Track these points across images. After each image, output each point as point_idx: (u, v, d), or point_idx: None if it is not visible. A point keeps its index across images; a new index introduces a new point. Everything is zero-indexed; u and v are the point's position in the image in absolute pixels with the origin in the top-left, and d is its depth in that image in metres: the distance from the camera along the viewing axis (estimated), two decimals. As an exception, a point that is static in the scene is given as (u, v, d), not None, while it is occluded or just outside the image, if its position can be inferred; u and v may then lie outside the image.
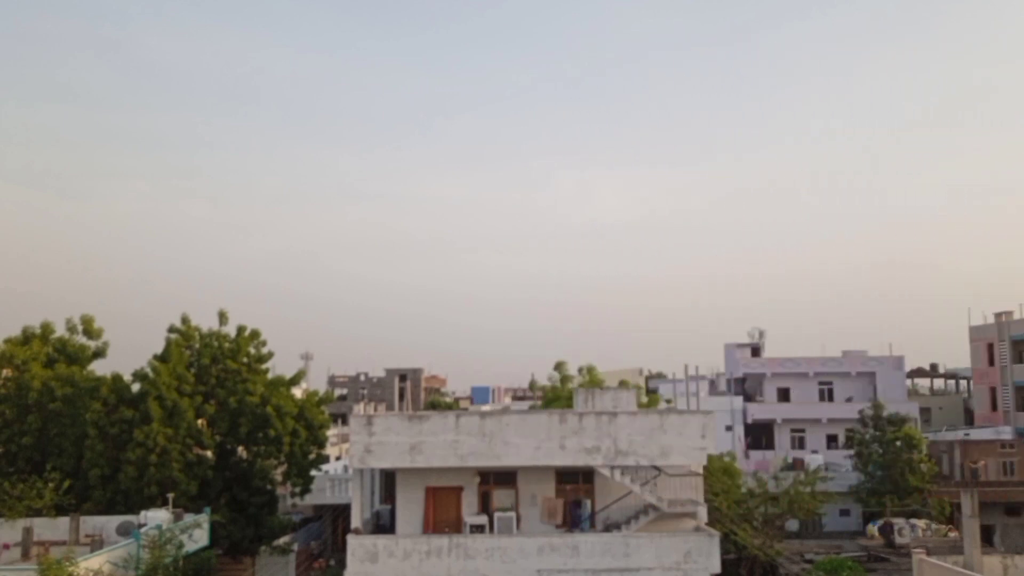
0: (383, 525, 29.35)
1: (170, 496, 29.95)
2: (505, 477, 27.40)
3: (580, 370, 44.25)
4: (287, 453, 35.53)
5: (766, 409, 60.49)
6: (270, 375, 37.08)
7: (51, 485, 29.57)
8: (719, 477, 35.73)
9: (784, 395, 61.41)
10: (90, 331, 36.64)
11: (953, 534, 39.05)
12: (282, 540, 37.08)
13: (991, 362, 58.79)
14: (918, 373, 71.45)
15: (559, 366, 44.99)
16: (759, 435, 60.52)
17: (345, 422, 62.86)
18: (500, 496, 27.49)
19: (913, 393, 69.75)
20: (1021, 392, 56.44)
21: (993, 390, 58.93)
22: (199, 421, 34.30)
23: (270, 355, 37.32)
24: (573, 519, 27.19)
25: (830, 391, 60.88)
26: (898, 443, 46.06)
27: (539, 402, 48.56)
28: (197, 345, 35.95)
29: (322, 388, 56.94)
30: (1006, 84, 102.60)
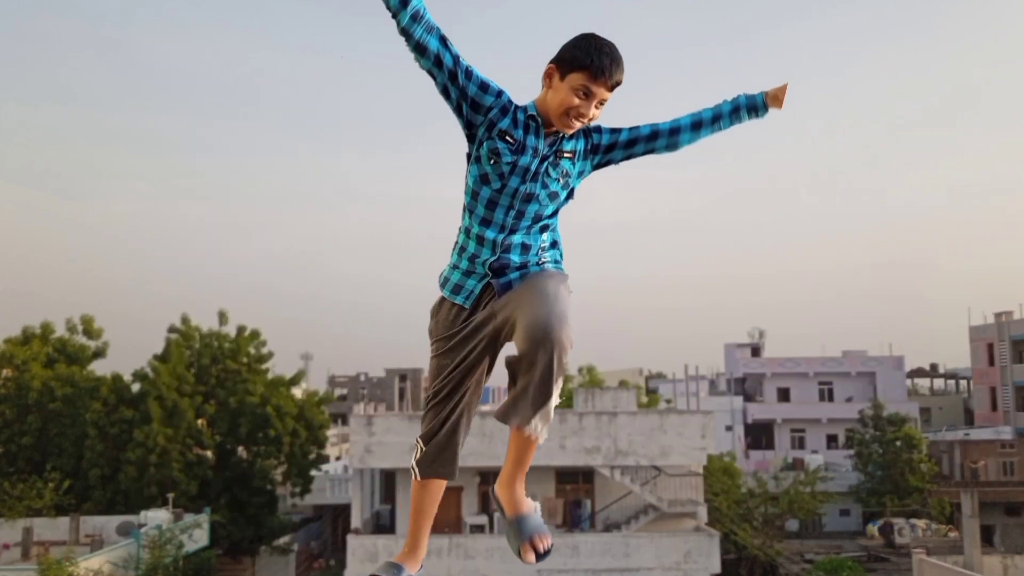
0: (383, 525, 29.37)
1: (170, 496, 29.97)
2: (505, 477, 27.40)
3: (580, 370, 44.24)
4: (287, 453, 35.55)
5: (766, 409, 60.44)
6: (270, 375, 37.10)
7: (51, 485, 29.59)
8: (719, 477, 35.73)
9: (784, 395, 61.32)
10: (90, 331, 36.65)
11: (953, 534, 39.06)
12: (282, 540, 37.09)
13: (991, 362, 58.74)
14: (918, 373, 71.36)
15: (559, 366, 44.90)
16: (759, 435, 60.49)
17: (345, 422, 62.87)
18: (500, 496, 27.50)
19: (913, 393, 69.65)
20: (1021, 392, 56.42)
21: (993, 390, 58.87)
22: (199, 421, 34.32)
23: (270, 355, 37.36)
24: (573, 519, 27.21)
25: (830, 391, 60.80)
26: (898, 443, 46.02)
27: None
28: (197, 345, 35.96)
29: (322, 388, 56.94)
30: (1006, 84, 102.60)
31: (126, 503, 31.61)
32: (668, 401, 47.78)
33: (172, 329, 35.86)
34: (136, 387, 34.28)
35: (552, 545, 2.59)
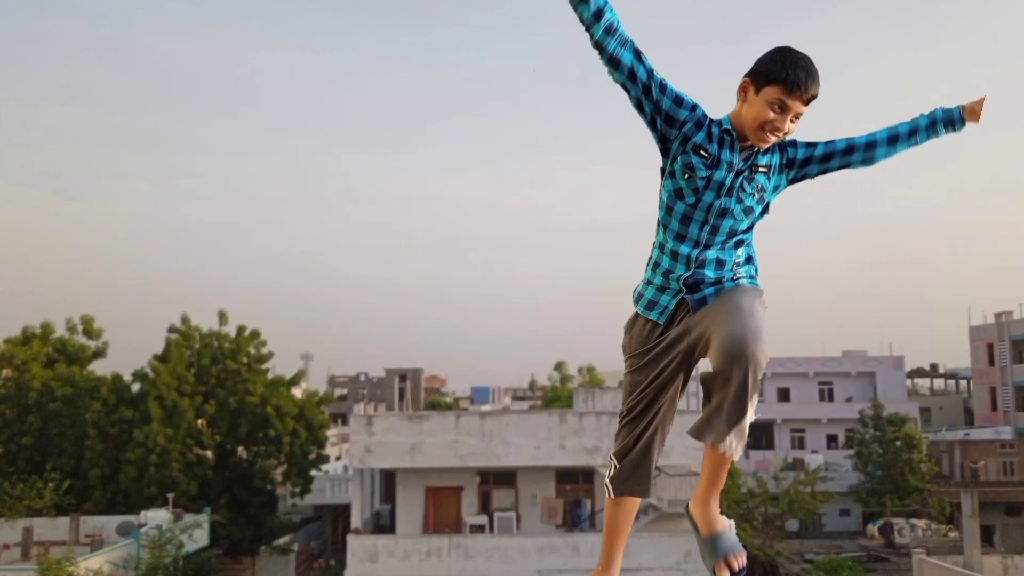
0: (383, 525, 29.37)
1: (170, 496, 29.98)
2: (505, 477, 27.41)
3: (580, 370, 44.37)
4: (287, 453, 35.57)
5: (766, 409, 60.31)
6: (270, 375, 37.12)
7: (51, 485, 29.60)
8: (719, 477, 35.67)
9: (784, 395, 61.25)
10: (90, 331, 36.67)
11: (953, 534, 39.06)
12: (282, 540, 37.10)
13: (991, 362, 58.72)
14: (918, 373, 71.31)
15: (559, 366, 45.10)
16: (759, 435, 60.42)
17: (345, 422, 62.86)
18: (500, 496, 27.50)
19: (913, 393, 69.58)
20: (1021, 392, 56.41)
21: (993, 390, 58.86)
22: (199, 421, 34.34)
23: (270, 355, 37.39)
24: (573, 519, 27.20)
25: (830, 391, 60.73)
26: (898, 443, 46.01)
27: (539, 402, 48.59)
28: (197, 345, 35.98)
29: (322, 388, 56.92)
30: (1006, 84, 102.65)
31: (126, 503, 31.63)
32: (668, 401, 47.72)
33: (172, 329, 35.88)
34: (136, 387, 34.31)
35: (746, 564, 2.57)
